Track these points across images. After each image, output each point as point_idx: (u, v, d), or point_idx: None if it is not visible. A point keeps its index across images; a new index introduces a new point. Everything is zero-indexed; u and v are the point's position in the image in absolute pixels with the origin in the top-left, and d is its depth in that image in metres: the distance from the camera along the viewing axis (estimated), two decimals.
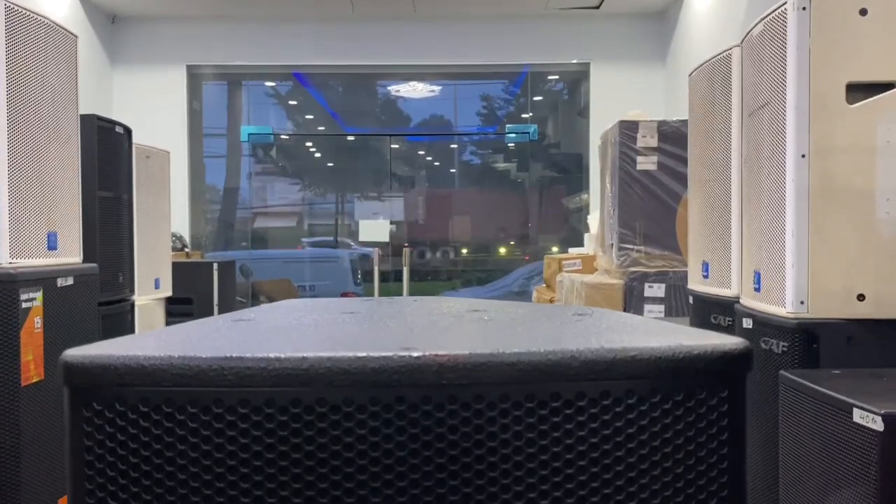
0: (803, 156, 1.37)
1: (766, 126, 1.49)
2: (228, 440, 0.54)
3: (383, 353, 0.53)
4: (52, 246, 1.79)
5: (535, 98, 7.08)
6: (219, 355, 0.54)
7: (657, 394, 0.52)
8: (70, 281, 1.80)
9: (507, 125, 7.42)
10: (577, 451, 0.53)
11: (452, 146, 8.71)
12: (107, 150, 2.40)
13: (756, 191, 1.56)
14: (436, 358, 0.51)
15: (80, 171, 1.99)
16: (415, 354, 0.52)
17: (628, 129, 3.05)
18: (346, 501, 0.53)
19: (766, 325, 1.46)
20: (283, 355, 0.53)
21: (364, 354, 0.53)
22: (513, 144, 7.88)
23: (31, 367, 1.65)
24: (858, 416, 1.08)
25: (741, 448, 0.55)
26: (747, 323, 1.55)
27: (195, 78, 6.14)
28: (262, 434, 0.53)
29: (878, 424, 1.05)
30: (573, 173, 6.70)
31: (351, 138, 8.09)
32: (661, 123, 3.05)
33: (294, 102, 7.82)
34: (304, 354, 0.53)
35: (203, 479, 0.54)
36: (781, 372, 1.32)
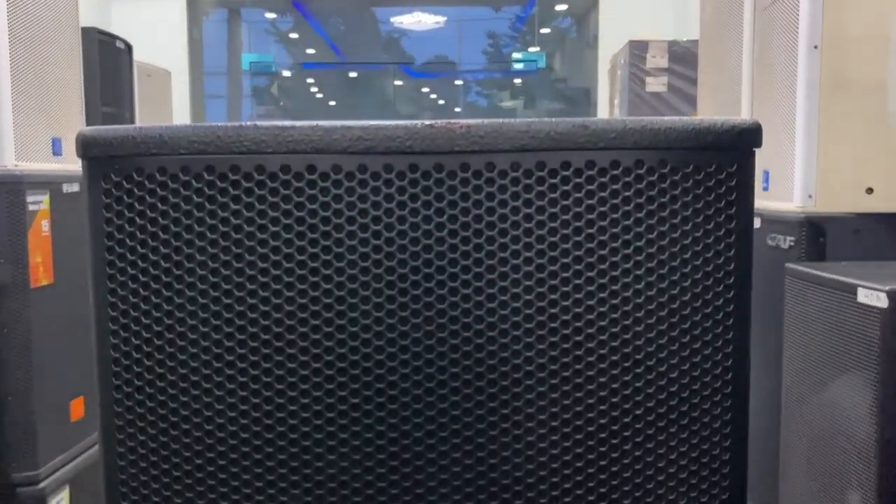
0: (815, 47, 1.35)
1: (778, 20, 1.47)
2: (246, 206, 0.55)
3: (397, 122, 0.54)
4: (57, 151, 1.79)
5: (543, 31, 6.96)
6: (234, 124, 0.55)
7: (666, 165, 0.52)
8: (76, 188, 1.80)
9: (515, 55, 7.31)
10: (586, 219, 0.54)
11: (457, 83, 8.58)
12: (108, 64, 2.38)
13: (767, 89, 1.54)
14: (449, 126, 0.52)
15: (82, 81, 1.97)
16: (428, 122, 0.53)
17: (638, 50, 3.01)
18: (360, 265, 0.54)
19: (773, 222, 1.46)
20: (297, 123, 0.55)
21: (377, 122, 0.54)
22: (519, 80, 7.77)
23: (41, 270, 1.66)
24: (863, 295, 1.08)
25: (748, 225, 0.56)
26: (756, 223, 1.54)
27: (194, 4, 6.05)
28: (279, 200, 0.55)
29: (882, 301, 1.05)
30: (581, 107, 6.64)
31: (353, 75, 7.98)
32: (672, 43, 3.00)
33: (295, 36, 7.70)
34: (318, 122, 0.54)
35: (221, 245, 0.55)
36: (787, 264, 1.32)
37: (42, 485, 1.64)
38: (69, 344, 1.74)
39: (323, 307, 0.57)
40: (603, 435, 0.60)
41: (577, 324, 0.58)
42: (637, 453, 0.61)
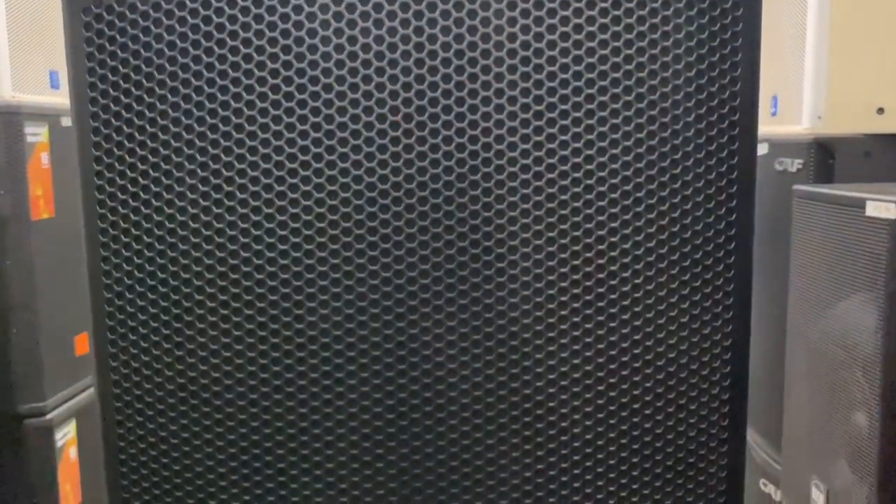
0: None
1: None
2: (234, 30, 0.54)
3: None
4: (55, 85, 1.77)
5: None
6: None
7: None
8: None
9: None
10: (586, 47, 0.54)
11: None
12: None
13: (777, 16, 1.50)
14: None
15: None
16: None
17: None
18: (348, 97, 0.53)
19: (781, 146, 1.43)
20: None
21: None
22: None
23: (41, 203, 1.65)
24: (872, 208, 1.06)
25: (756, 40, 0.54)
26: (762, 149, 1.52)
27: None
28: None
29: (891, 213, 1.03)
30: None
31: None
32: None
33: None
34: None
35: (206, 72, 0.54)
36: (795, 186, 1.30)
37: (49, 416, 1.65)
38: (72, 280, 1.73)
39: (312, 141, 0.57)
40: (600, 277, 0.60)
41: (576, 159, 0.58)
42: (636, 295, 0.61)
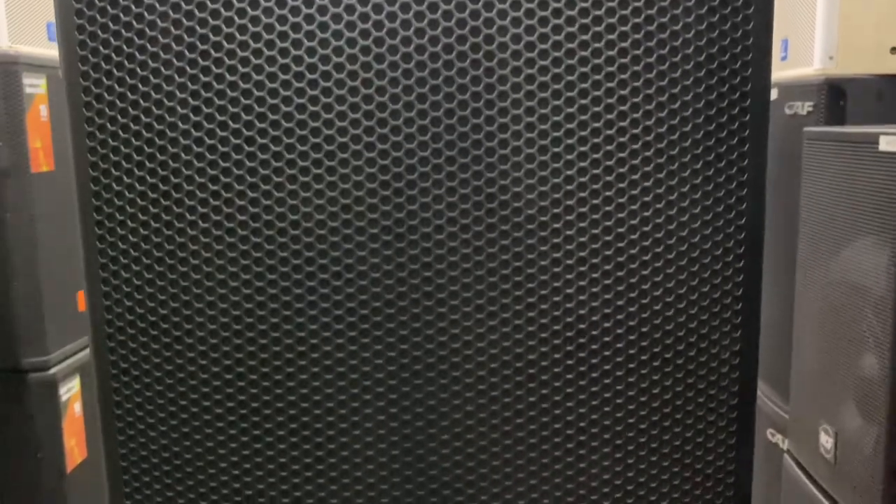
0: None
1: None
2: None
3: None
4: (52, 37, 1.74)
5: None
6: None
7: None
8: None
9: None
10: None
11: None
12: None
13: None
14: None
15: None
16: None
17: None
18: None
19: (791, 90, 1.40)
20: None
21: None
22: None
23: (41, 156, 1.64)
24: (885, 142, 1.04)
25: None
26: (772, 94, 1.49)
27: None
28: None
29: None
30: None
31: None
32: None
33: None
34: None
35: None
36: (806, 128, 1.27)
37: (52, 371, 1.65)
38: (74, 234, 1.72)
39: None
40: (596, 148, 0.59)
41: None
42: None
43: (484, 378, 0.62)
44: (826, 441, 1.20)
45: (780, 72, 1.49)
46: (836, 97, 1.30)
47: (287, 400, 0.63)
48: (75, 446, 1.73)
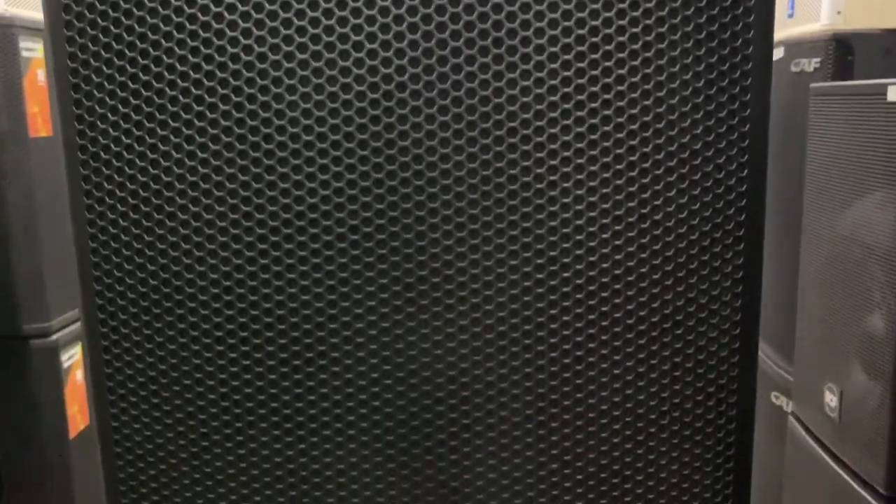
0: None
1: None
2: None
3: None
4: None
5: None
6: None
7: None
8: None
9: None
10: None
11: None
12: None
13: None
14: None
15: None
16: None
17: None
18: None
19: (797, 47, 1.38)
20: None
21: None
22: None
23: (39, 120, 1.62)
24: (894, 93, 1.02)
25: None
26: (778, 52, 1.47)
27: None
28: None
29: None
30: None
31: None
32: None
33: None
34: None
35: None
36: (812, 84, 1.25)
37: (54, 337, 1.64)
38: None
39: None
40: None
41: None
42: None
43: (478, 291, 0.60)
44: (830, 400, 1.19)
45: (787, 30, 1.46)
46: (843, 52, 1.28)
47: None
48: (77, 413, 1.73)
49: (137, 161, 0.60)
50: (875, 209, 1.11)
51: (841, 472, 1.16)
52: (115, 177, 0.61)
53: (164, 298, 0.62)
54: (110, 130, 0.60)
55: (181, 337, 0.62)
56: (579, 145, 0.59)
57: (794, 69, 1.38)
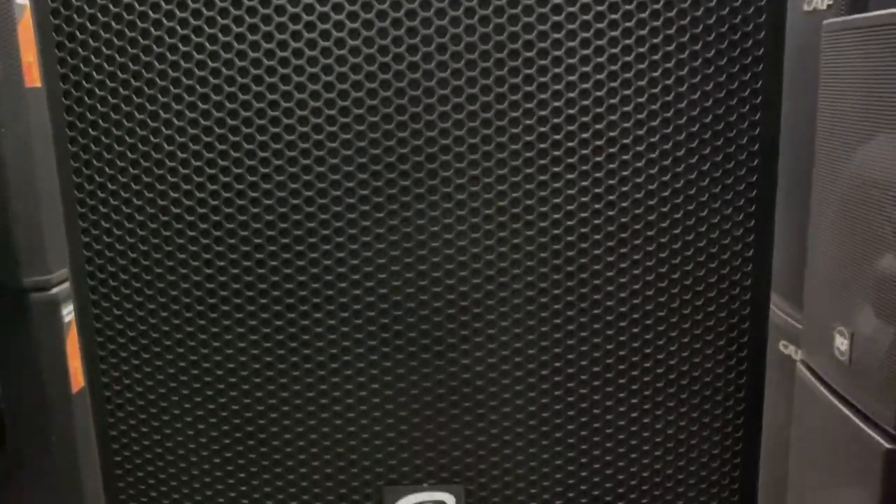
0: None
1: None
2: None
3: None
4: None
5: None
6: None
7: None
8: None
9: None
10: None
11: None
12: None
13: None
14: None
15: None
16: None
17: None
18: None
19: None
20: None
21: None
22: None
23: (34, 70, 1.60)
24: None
25: None
26: None
27: None
28: None
29: None
30: None
31: None
32: None
33: None
34: None
35: None
36: (826, 21, 1.22)
37: (54, 291, 1.63)
38: None
39: None
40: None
41: None
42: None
43: (481, 174, 0.58)
44: (841, 343, 1.17)
45: None
46: None
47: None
48: (79, 368, 1.72)
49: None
50: (890, 147, 1.08)
51: (851, 416, 1.15)
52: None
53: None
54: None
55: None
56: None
57: (806, 7, 1.35)
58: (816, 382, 1.26)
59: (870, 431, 1.10)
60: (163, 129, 0.56)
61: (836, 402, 1.19)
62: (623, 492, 0.59)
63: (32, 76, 1.59)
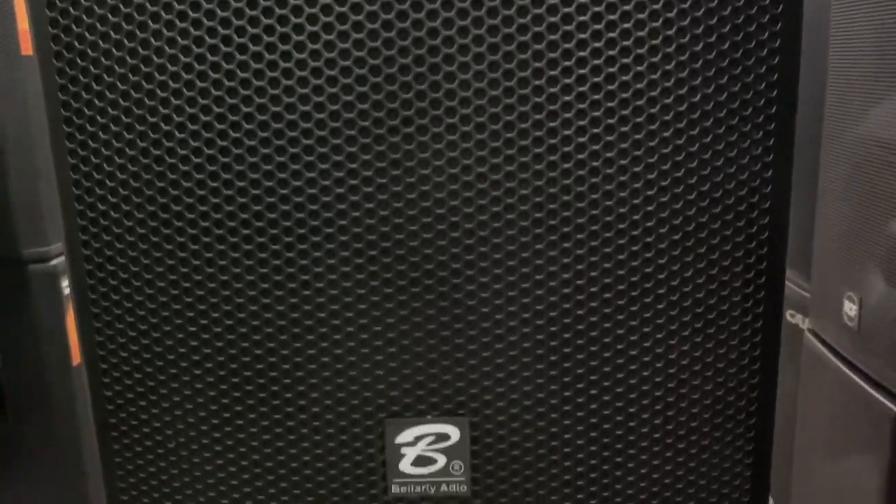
0: None
1: None
2: None
3: None
4: None
5: None
6: None
7: None
8: None
9: None
10: None
11: None
12: None
13: None
14: None
15: None
16: None
17: None
18: None
19: None
20: None
21: None
22: None
23: (31, 38, 1.58)
24: None
25: None
26: None
27: None
28: None
29: None
30: None
31: None
32: None
33: None
34: None
35: None
36: None
37: (53, 262, 1.62)
38: None
39: None
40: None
41: None
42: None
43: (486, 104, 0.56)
44: (850, 309, 1.16)
45: None
46: None
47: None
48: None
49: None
50: None
51: (860, 381, 1.13)
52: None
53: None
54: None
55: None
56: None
57: None
58: (824, 350, 1.25)
59: (879, 397, 1.08)
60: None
61: (844, 368, 1.18)
62: (633, 426, 0.57)
63: (28, 44, 1.57)
